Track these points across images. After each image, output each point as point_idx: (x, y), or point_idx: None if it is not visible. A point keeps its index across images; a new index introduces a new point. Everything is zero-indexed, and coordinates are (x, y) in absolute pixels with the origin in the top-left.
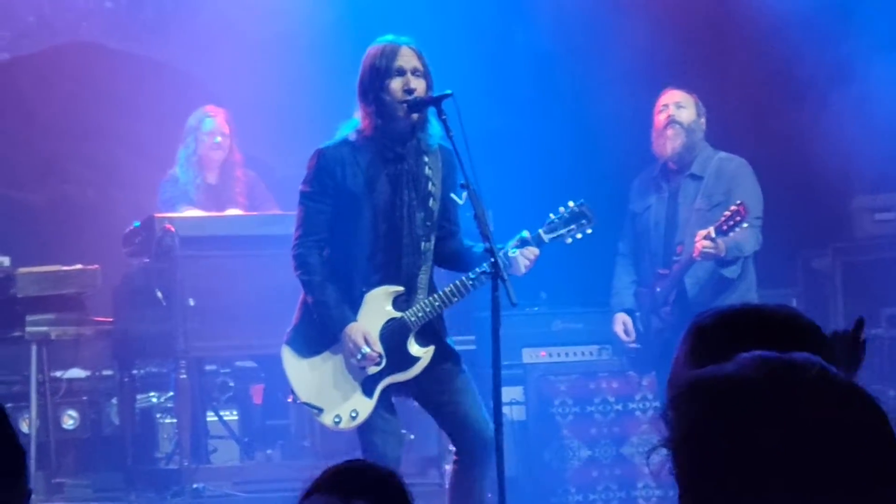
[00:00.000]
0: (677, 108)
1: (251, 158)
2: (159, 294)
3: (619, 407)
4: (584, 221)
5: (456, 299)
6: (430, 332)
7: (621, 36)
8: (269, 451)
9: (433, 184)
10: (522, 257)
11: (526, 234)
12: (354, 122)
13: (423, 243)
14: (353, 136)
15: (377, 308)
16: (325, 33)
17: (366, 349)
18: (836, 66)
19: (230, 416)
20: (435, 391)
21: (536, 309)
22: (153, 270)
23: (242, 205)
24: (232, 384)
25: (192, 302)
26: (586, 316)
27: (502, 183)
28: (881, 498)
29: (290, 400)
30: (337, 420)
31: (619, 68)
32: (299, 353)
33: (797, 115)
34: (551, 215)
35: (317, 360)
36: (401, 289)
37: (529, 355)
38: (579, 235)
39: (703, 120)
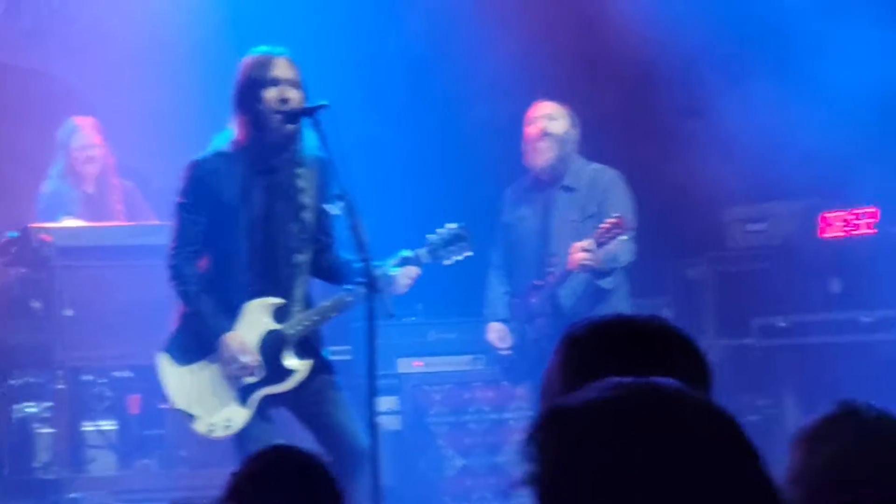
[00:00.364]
0: (549, 119)
1: (128, 168)
2: (36, 304)
3: (494, 416)
4: (462, 244)
5: (335, 314)
6: (308, 345)
7: (495, 46)
8: (146, 461)
9: (307, 196)
10: (403, 276)
11: (406, 252)
12: (228, 132)
13: (297, 256)
14: (227, 148)
15: (256, 319)
16: (203, 43)
17: (244, 358)
18: (709, 80)
19: (107, 425)
20: (309, 403)
21: (412, 319)
22: (30, 280)
23: (120, 212)
24: (109, 394)
25: (69, 312)
26: (461, 326)
27: (377, 193)
28: None
29: (165, 406)
30: (211, 428)
31: (492, 78)
32: (176, 360)
33: (671, 126)
34: (431, 236)
35: (193, 368)
36: (281, 301)
37: (404, 365)
38: (458, 257)
39: (575, 131)
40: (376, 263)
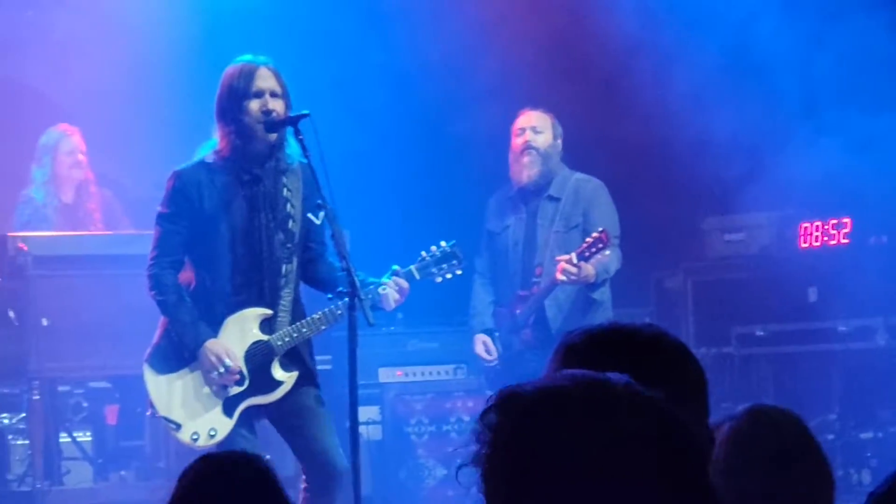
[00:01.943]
0: (534, 132)
1: (106, 178)
2: (11, 314)
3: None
4: (454, 262)
5: (324, 327)
6: (296, 356)
7: (478, 55)
8: (123, 473)
9: (292, 205)
10: (393, 292)
11: (397, 268)
12: (212, 142)
13: (284, 266)
14: (210, 158)
15: (244, 329)
16: (182, 53)
17: (228, 362)
18: (689, 89)
19: (84, 436)
20: (291, 416)
21: (393, 328)
22: (5, 290)
23: (99, 222)
24: (86, 405)
25: (45, 322)
26: (442, 335)
27: (360, 203)
28: None
29: (148, 414)
30: (195, 437)
31: (474, 87)
32: (159, 370)
33: (650, 136)
34: (423, 253)
35: (177, 376)
36: (269, 312)
37: (385, 375)
38: (449, 276)
39: (559, 141)
40: (371, 280)
